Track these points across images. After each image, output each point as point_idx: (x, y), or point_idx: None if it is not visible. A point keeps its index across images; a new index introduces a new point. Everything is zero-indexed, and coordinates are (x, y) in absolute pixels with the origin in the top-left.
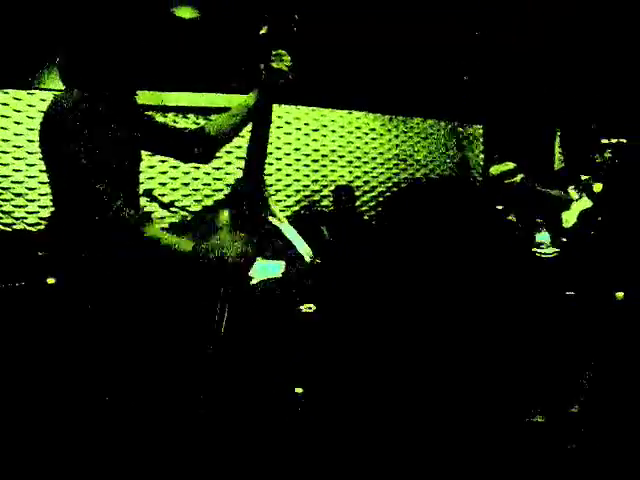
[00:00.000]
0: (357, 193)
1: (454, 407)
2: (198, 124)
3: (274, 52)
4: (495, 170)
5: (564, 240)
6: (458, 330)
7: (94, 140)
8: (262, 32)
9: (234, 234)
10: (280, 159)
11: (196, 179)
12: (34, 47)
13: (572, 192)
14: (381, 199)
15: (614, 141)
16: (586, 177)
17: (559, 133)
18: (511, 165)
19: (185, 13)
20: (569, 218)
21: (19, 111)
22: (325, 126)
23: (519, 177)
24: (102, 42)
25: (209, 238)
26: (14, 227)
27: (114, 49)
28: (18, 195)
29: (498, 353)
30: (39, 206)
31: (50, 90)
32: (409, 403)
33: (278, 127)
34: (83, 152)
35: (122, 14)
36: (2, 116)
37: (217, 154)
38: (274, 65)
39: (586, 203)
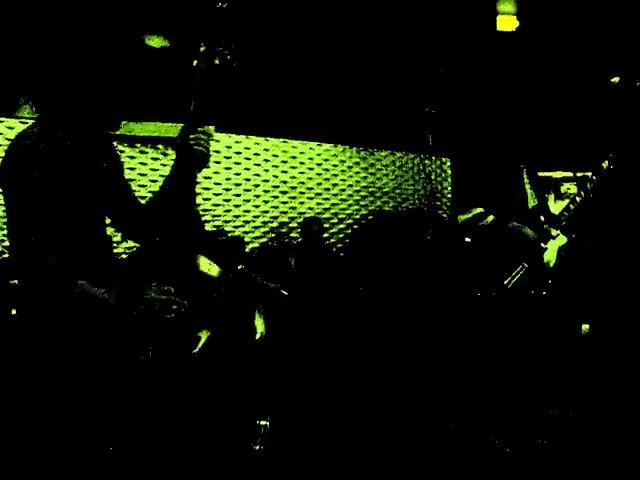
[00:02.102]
0: (326, 225)
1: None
2: (166, 155)
3: (197, 131)
4: (464, 217)
5: (548, 281)
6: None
7: (53, 186)
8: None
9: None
10: (249, 190)
11: None
12: (11, 75)
13: (551, 229)
14: (349, 231)
15: (579, 175)
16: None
17: (525, 169)
18: (479, 210)
19: (155, 42)
20: (550, 258)
21: None
22: (294, 158)
23: (490, 218)
24: (75, 74)
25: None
26: None
27: (87, 81)
28: None
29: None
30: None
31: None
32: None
33: (247, 158)
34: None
35: (95, 46)
36: None
37: None
38: (194, 147)
39: (563, 240)
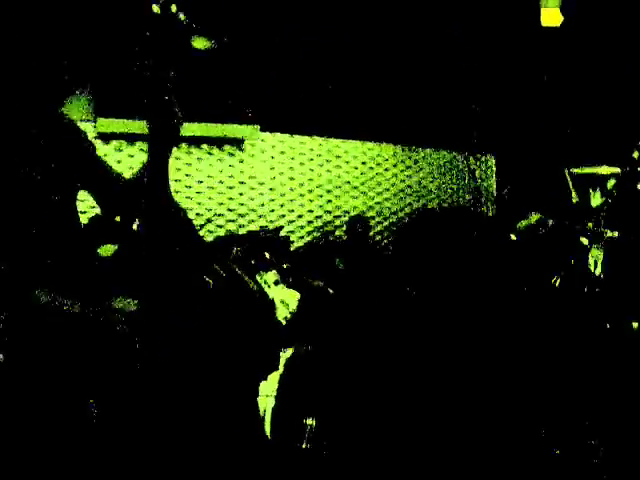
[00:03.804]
0: (370, 223)
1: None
2: (212, 154)
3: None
4: (523, 223)
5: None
6: (469, 363)
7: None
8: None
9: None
10: (293, 189)
11: None
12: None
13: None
14: (394, 229)
15: (611, 170)
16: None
17: (568, 171)
18: (537, 216)
19: (200, 44)
20: (597, 257)
21: None
22: (339, 157)
23: (550, 222)
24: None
25: None
26: None
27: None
28: None
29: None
30: None
31: None
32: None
33: (291, 158)
34: None
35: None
36: None
37: None
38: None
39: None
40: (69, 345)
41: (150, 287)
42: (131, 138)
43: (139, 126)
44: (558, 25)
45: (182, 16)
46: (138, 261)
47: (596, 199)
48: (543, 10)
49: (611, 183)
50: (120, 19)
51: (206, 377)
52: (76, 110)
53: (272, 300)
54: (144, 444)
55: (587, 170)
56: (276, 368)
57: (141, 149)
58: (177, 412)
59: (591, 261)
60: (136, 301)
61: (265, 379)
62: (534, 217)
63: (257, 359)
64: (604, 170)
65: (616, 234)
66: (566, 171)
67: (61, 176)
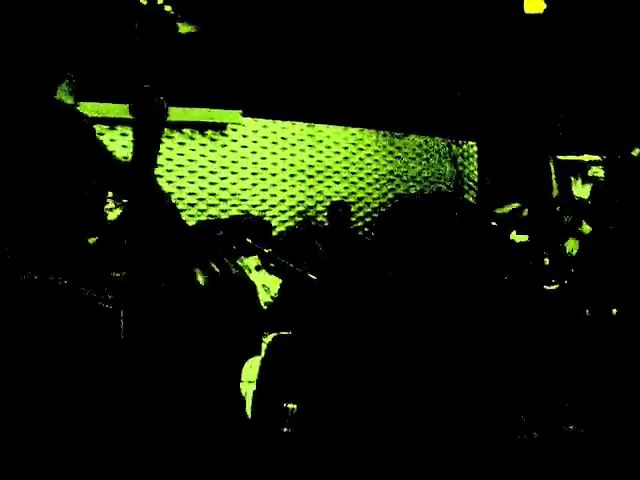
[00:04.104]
0: (352, 209)
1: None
2: (193, 139)
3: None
4: (501, 210)
5: (570, 270)
6: (452, 349)
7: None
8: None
9: None
10: (275, 174)
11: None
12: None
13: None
14: (376, 215)
15: (592, 158)
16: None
17: (551, 159)
18: (515, 205)
19: (185, 28)
20: (572, 246)
21: None
22: (321, 142)
23: (525, 212)
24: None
25: None
26: None
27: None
28: None
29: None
30: None
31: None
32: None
33: (274, 142)
34: None
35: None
36: None
37: None
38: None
39: (587, 228)
40: (57, 318)
41: (133, 269)
42: (113, 122)
43: (123, 110)
44: (541, 12)
45: (168, 7)
46: (122, 245)
47: (578, 188)
48: None
49: (592, 171)
50: (109, 8)
51: (187, 360)
52: (65, 95)
53: (254, 285)
54: (127, 423)
55: (569, 157)
56: (259, 352)
57: (122, 134)
58: (159, 392)
59: (569, 249)
60: (124, 273)
61: (245, 362)
62: (511, 206)
63: (239, 343)
64: (586, 158)
65: (590, 229)
66: (550, 159)
67: (64, 161)
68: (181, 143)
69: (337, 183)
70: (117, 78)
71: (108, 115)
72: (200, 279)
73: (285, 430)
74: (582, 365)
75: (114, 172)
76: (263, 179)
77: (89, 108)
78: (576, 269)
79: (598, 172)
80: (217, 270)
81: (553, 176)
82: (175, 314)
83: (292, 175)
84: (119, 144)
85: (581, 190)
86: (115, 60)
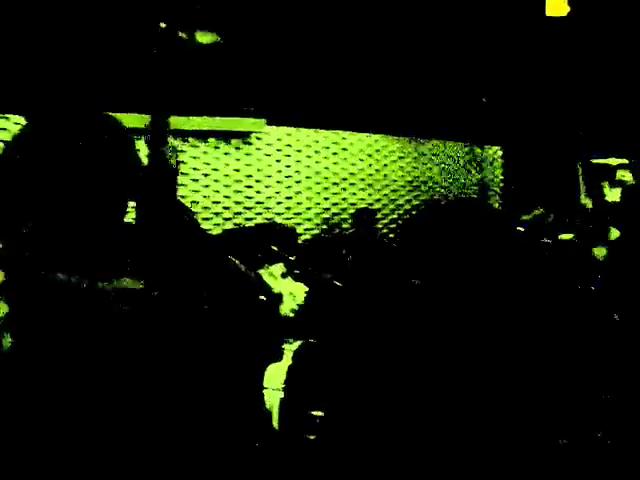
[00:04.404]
0: (377, 215)
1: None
2: (218, 148)
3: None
4: (525, 217)
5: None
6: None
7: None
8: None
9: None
10: (300, 182)
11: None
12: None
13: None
14: (401, 221)
15: (619, 161)
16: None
17: (580, 164)
18: (539, 211)
19: (204, 38)
20: (601, 252)
21: None
22: (345, 149)
23: (550, 218)
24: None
25: None
26: None
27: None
28: None
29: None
30: None
31: None
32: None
33: (298, 150)
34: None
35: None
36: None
37: None
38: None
39: (616, 233)
40: (75, 318)
41: (153, 275)
42: (136, 132)
43: (139, 120)
44: (564, 14)
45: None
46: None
47: (606, 192)
48: (548, 1)
49: (619, 174)
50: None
51: (208, 369)
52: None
53: (276, 293)
54: (146, 435)
55: (596, 161)
56: (280, 359)
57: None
58: (179, 400)
59: (598, 254)
60: (142, 281)
61: (265, 370)
62: (536, 212)
63: (260, 350)
64: (613, 161)
65: (618, 233)
66: (577, 162)
67: (102, 170)
68: (205, 152)
69: (362, 190)
70: (140, 91)
71: (133, 125)
72: (219, 287)
73: (312, 437)
74: (611, 371)
75: (138, 181)
76: (288, 187)
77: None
78: (605, 275)
79: (626, 175)
80: (237, 278)
81: (581, 180)
82: (193, 322)
83: (317, 182)
84: (142, 154)
85: (609, 194)
86: (137, 74)
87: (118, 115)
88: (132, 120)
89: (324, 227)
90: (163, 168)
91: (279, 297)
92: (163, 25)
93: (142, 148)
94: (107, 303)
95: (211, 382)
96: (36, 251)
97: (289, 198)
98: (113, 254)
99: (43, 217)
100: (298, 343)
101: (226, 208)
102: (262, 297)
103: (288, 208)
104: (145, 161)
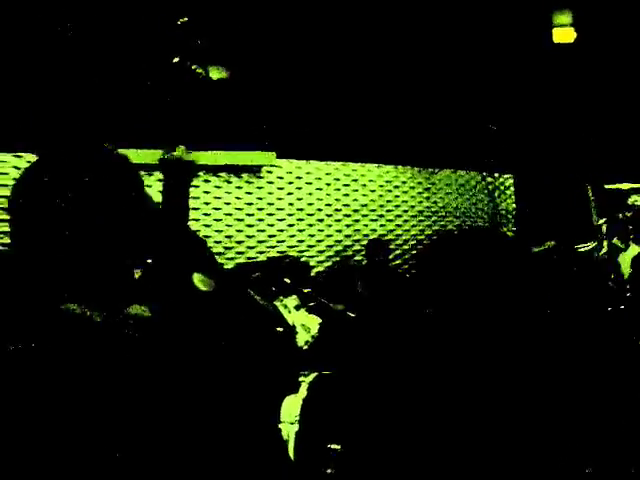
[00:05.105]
0: (390, 246)
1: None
2: (230, 182)
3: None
4: (537, 249)
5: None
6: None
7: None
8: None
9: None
10: (312, 214)
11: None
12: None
13: (617, 242)
14: (414, 252)
15: (632, 186)
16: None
17: (590, 188)
18: (552, 242)
19: (215, 74)
20: (625, 268)
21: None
22: (355, 180)
23: (562, 249)
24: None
25: None
26: None
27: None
28: None
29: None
30: None
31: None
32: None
33: (308, 183)
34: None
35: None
36: None
37: None
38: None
39: (635, 250)
40: (89, 351)
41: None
42: (149, 168)
43: (152, 156)
44: (571, 41)
45: (198, 69)
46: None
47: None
48: (555, 29)
49: (632, 199)
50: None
51: (223, 401)
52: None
53: (291, 325)
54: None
55: (608, 186)
56: (296, 391)
57: (159, 179)
58: (193, 433)
59: (623, 270)
60: (149, 307)
61: (282, 401)
62: (548, 243)
63: (277, 383)
64: (625, 186)
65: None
66: (588, 188)
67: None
68: (217, 187)
69: (374, 221)
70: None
71: (145, 161)
72: (238, 319)
73: (329, 472)
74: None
75: (151, 218)
76: (300, 219)
77: (130, 155)
78: (631, 292)
79: (638, 200)
80: (255, 310)
81: (592, 205)
82: (209, 354)
83: (328, 215)
84: (155, 189)
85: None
86: (148, 107)
87: (130, 151)
88: (144, 156)
89: (336, 259)
90: (177, 202)
91: (293, 329)
92: (176, 59)
93: (154, 184)
94: (120, 332)
95: (228, 413)
96: (49, 284)
97: (301, 230)
98: (124, 284)
99: (51, 252)
100: (313, 375)
101: (239, 242)
102: (279, 329)
103: (300, 241)
104: (156, 198)
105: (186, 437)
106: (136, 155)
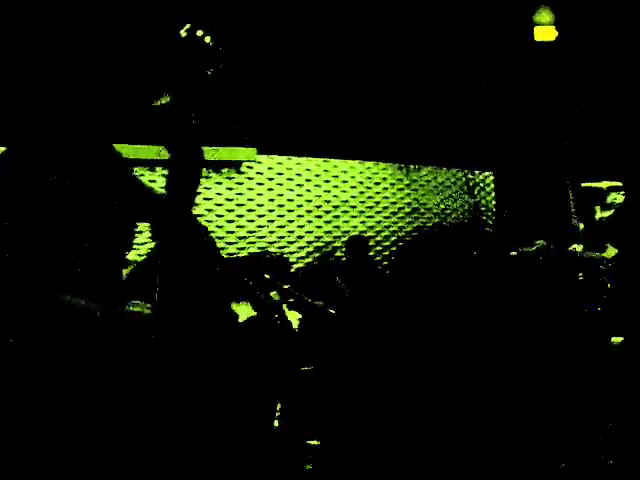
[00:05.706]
0: (370, 243)
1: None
2: (209, 177)
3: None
4: (527, 249)
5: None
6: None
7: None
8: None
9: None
10: (292, 211)
11: None
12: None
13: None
14: (394, 248)
15: (611, 184)
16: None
17: (570, 186)
18: (541, 242)
19: None
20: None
21: None
22: (336, 177)
23: (551, 248)
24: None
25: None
26: None
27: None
28: None
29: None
30: None
31: None
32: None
33: (289, 179)
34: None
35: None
36: None
37: None
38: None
39: (612, 252)
40: (88, 343)
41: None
42: (151, 164)
43: (155, 152)
44: (552, 39)
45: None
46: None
47: (598, 213)
48: (536, 27)
49: (611, 197)
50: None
51: (220, 393)
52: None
53: (288, 320)
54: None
55: (588, 184)
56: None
57: (163, 175)
58: (189, 419)
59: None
60: (150, 305)
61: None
62: (538, 243)
63: (278, 376)
64: (604, 184)
65: (615, 251)
66: (568, 186)
67: (108, 200)
68: (219, 182)
69: (354, 217)
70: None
71: (147, 157)
72: (239, 313)
73: (308, 467)
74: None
75: (152, 207)
76: (280, 216)
77: (129, 151)
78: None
79: (618, 198)
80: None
81: (572, 204)
82: (210, 348)
83: (309, 211)
84: (159, 185)
85: (601, 216)
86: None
87: (132, 147)
88: (146, 152)
89: (317, 255)
90: (182, 193)
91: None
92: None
93: (158, 179)
94: (121, 327)
95: (230, 406)
96: (50, 277)
97: (282, 227)
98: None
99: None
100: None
101: (219, 238)
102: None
103: (281, 237)
104: (159, 191)
105: (184, 429)
106: (139, 150)
